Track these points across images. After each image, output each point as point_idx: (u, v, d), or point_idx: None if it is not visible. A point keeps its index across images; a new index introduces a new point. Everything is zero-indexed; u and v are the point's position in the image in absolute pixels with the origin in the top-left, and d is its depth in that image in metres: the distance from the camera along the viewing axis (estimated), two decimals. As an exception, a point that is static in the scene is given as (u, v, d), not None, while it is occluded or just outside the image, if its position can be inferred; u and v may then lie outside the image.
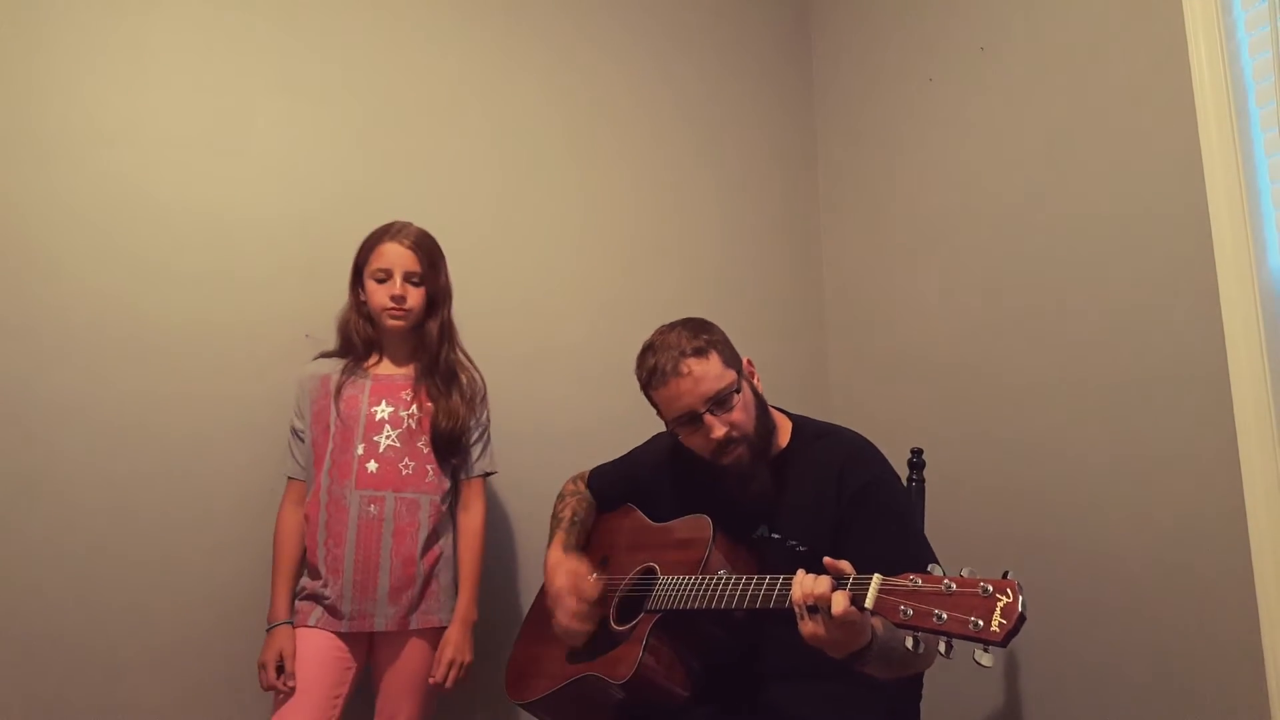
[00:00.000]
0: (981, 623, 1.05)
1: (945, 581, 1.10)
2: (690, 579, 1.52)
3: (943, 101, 2.41)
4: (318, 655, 1.81)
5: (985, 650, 1.06)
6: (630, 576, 1.69)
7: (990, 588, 1.07)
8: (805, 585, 1.25)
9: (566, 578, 1.69)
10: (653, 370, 1.58)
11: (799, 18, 2.92)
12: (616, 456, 1.95)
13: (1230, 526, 1.69)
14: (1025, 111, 2.17)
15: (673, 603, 1.52)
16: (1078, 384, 2.00)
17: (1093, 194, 2.00)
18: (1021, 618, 1.04)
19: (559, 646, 1.71)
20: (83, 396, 1.92)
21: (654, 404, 1.64)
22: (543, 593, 1.82)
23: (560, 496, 1.93)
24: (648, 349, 1.62)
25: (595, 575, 1.73)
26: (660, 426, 1.70)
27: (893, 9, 2.59)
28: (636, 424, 1.83)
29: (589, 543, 1.87)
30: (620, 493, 1.88)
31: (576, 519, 1.86)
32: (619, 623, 1.62)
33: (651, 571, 1.64)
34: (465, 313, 2.03)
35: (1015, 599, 1.05)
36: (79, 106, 1.98)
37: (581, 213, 2.50)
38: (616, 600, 1.67)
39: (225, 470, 2.02)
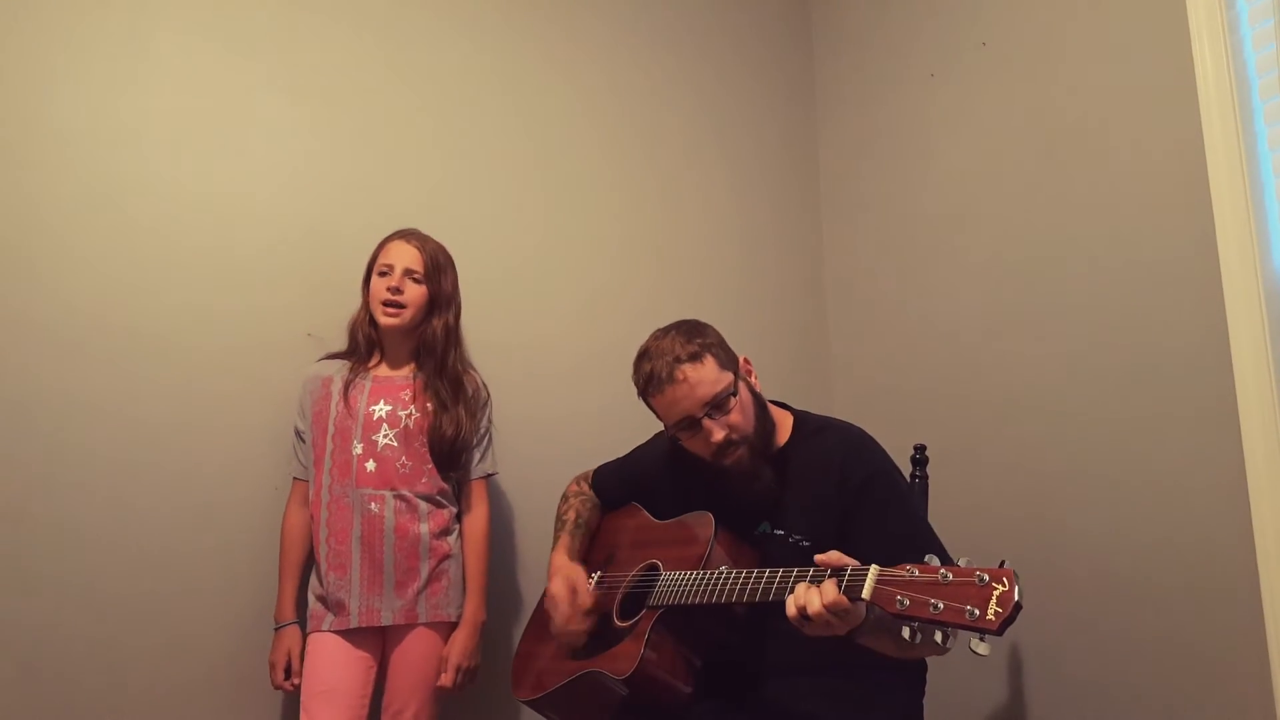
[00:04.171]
0: (978, 612, 1.05)
1: (941, 571, 1.11)
2: (692, 575, 1.52)
3: (944, 97, 2.40)
4: (337, 657, 1.82)
5: (982, 639, 1.06)
6: (633, 573, 1.69)
7: (986, 577, 1.07)
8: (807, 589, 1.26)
9: (563, 584, 1.69)
10: (649, 377, 1.59)
11: (800, 12, 2.92)
12: (619, 454, 1.95)
13: (1234, 521, 1.69)
14: (1027, 106, 2.17)
15: (675, 598, 1.52)
16: (1080, 380, 2.00)
17: (1095, 189, 1.99)
18: (1017, 606, 1.04)
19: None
20: (86, 391, 1.92)
21: (652, 409, 1.64)
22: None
23: (564, 497, 1.94)
24: (643, 355, 1.63)
25: (593, 580, 1.74)
26: (660, 426, 1.70)
27: (894, 4, 2.59)
28: (639, 422, 1.83)
29: (595, 541, 1.87)
30: (624, 492, 1.88)
31: (580, 520, 1.86)
32: (622, 619, 1.63)
33: (655, 568, 1.64)
34: (469, 312, 2.04)
35: (1011, 588, 1.05)
36: (83, 105, 1.99)
37: (585, 213, 2.50)
38: (620, 597, 1.68)
39: (231, 466, 2.02)
